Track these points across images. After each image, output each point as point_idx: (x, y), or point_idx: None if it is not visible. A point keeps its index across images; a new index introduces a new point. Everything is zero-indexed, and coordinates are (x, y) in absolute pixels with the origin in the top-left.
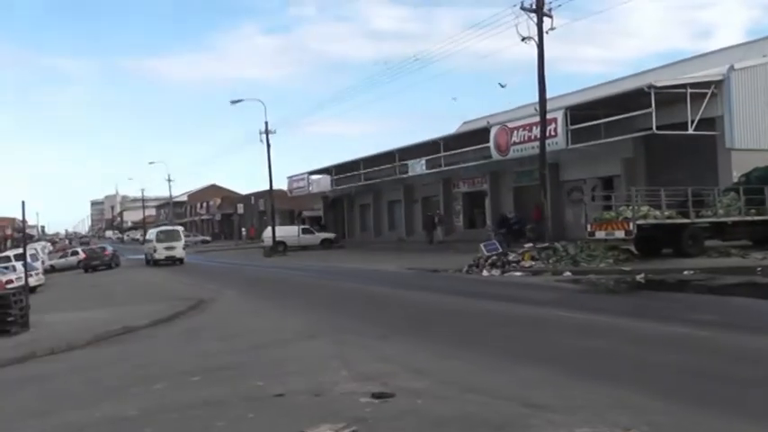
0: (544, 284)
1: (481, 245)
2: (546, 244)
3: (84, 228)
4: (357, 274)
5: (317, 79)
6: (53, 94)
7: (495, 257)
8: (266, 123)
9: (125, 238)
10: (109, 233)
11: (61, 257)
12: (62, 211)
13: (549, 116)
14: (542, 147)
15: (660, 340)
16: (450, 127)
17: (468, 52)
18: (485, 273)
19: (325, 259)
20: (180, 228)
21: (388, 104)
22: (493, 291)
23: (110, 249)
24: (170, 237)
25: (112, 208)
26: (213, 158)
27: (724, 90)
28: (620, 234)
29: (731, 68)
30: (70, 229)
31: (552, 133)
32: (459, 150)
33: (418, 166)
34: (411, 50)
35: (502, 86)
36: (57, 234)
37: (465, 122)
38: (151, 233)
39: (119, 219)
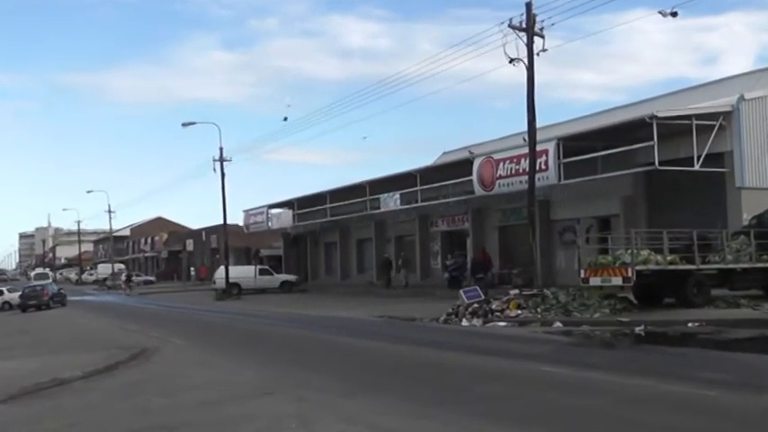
0: (532, 336)
1: (461, 291)
2: (534, 291)
3: (11, 264)
4: (321, 321)
5: (278, 102)
6: None
7: (476, 305)
8: (221, 149)
9: (57, 276)
10: (38, 270)
11: None
12: None
13: (539, 147)
14: (531, 182)
15: (661, 401)
16: (427, 158)
17: (448, 74)
18: (465, 322)
19: (286, 304)
20: (48, 271)
21: (357, 131)
22: (474, 342)
23: (50, 288)
24: (40, 278)
25: (44, 242)
26: (160, 188)
27: (733, 122)
28: (617, 281)
29: (741, 98)
30: None
31: (543, 167)
32: (438, 184)
33: (391, 201)
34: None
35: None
36: None
37: (445, 153)
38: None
39: (50, 254)
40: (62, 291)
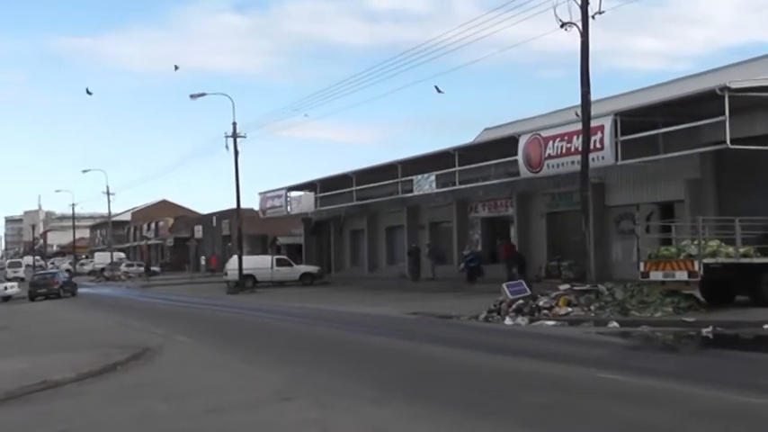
0: (584, 338)
1: (504, 285)
2: (587, 286)
3: None
4: (346, 318)
5: (298, 71)
6: None
7: (521, 302)
8: (234, 125)
9: (49, 266)
10: (27, 259)
11: None
12: None
13: (593, 123)
14: (584, 162)
15: (736, 416)
16: (467, 135)
17: (491, 41)
18: (508, 321)
19: (306, 299)
20: (21, 260)
21: (388, 105)
22: (519, 344)
23: (60, 277)
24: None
25: (33, 227)
26: (165, 168)
27: None
28: (681, 275)
29: None
30: None
31: (597, 145)
32: (479, 164)
33: (426, 184)
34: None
35: (439, 91)
36: None
37: (486, 129)
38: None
39: (41, 241)
40: (73, 280)
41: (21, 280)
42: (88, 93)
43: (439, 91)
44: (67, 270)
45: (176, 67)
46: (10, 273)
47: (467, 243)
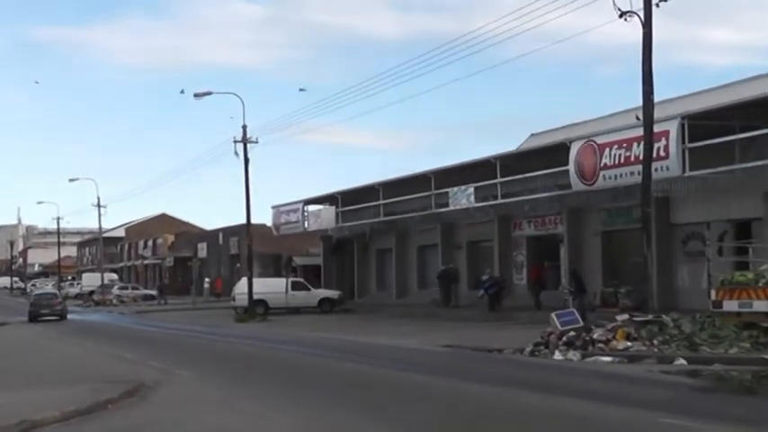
0: (646, 377)
1: (553, 315)
2: (648, 316)
3: None
4: (370, 351)
5: (317, 67)
6: None
7: (572, 334)
8: (244, 128)
9: (28, 288)
10: (4, 280)
11: None
12: None
13: (657, 128)
14: (646, 173)
15: None
16: (511, 141)
17: (539, 33)
18: (558, 355)
19: (326, 328)
20: None
21: (420, 106)
22: (572, 383)
23: (59, 297)
24: None
25: (11, 243)
26: (165, 177)
27: None
28: (761, 306)
29: None
30: None
31: (661, 153)
32: (524, 175)
33: (463, 197)
34: (455, 28)
35: (302, 90)
36: None
37: (533, 135)
38: None
39: (20, 260)
40: (63, 301)
41: None
42: (36, 82)
43: (302, 90)
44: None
45: (182, 91)
46: None
47: (486, 267)
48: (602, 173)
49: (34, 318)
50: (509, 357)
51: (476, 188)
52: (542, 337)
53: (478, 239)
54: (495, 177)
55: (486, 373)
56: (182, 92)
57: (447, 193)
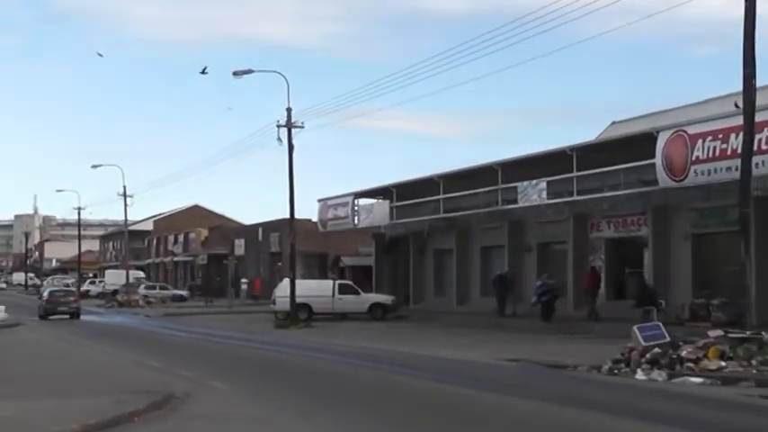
0: (742, 402)
1: (635, 328)
2: (746, 333)
3: None
4: (426, 364)
5: (371, 44)
6: None
7: (657, 350)
8: (289, 111)
9: (43, 284)
10: (18, 276)
11: None
12: None
13: (759, 117)
14: (746, 168)
15: None
16: (589, 130)
17: (622, 8)
18: (640, 375)
19: (376, 337)
20: None
21: (485, 90)
22: (658, 408)
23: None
24: None
25: (27, 236)
26: (198, 165)
27: None
28: None
29: None
30: None
31: (763, 147)
32: (604, 169)
33: (534, 192)
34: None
35: (204, 73)
36: None
37: (614, 123)
38: None
39: (36, 253)
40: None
41: None
42: (99, 55)
43: (203, 72)
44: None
45: (204, 71)
46: None
47: (544, 272)
48: (693, 167)
49: (47, 315)
50: (585, 376)
51: (548, 182)
52: (622, 354)
53: (550, 241)
54: (571, 171)
55: (563, 394)
56: (204, 72)
57: (516, 187)
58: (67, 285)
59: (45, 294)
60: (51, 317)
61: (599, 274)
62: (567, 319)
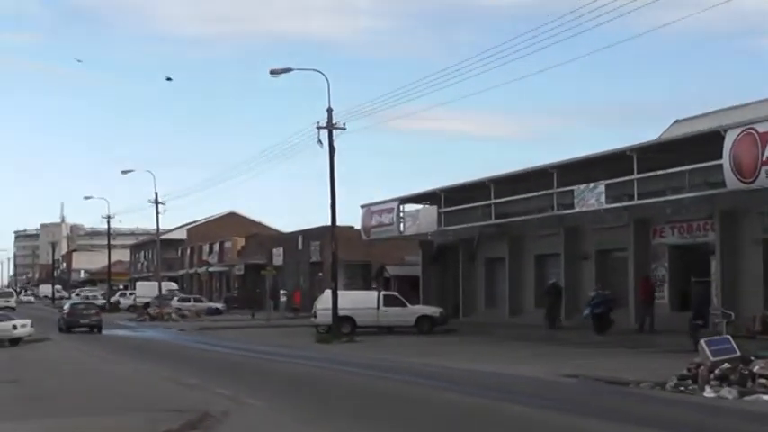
0: None
1: (702, 342)
2: None
3: (0, 277)
4: (479, 380)
5: (416, 40)
6: None
7: (727, 366)
8: (329, 112)
9: (73, 297)
10: (45, 288)
11: None
12: None
13: None
14: None
15: None
16: (650, 130)
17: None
18: (709, 392)
19: (426, 352)
20: (11, 289)
21: (539, 87)
22: (732, 428)
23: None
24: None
25: (54, 246)
26: (233, 170)
27: None
28: None
29: None
30: None
31: None
32: (667, 171)
33: (592, 196)
34: None
35: (169, 79)
36: None
37: (678, 122)
38: None
39: (63, 264)
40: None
41: (12, 309)
42: (168, 80)
43: (168, 79)
44: (101, 306)
45: (169, 78)
46: (0, 302)
47: (602, 281)
48: (764, 168)
49: (68, 328)
50: (649, 393)
51: (607, 186)
52: (688, 369)
53: (609, 248)
54: (631, 173)
55: (627, 412)
56: (168, 79)
57: (572, 191)
58: (88, 298)
59: (66, 307)
60: (73, 330)
61: (654, 283)
62: (627, 331)
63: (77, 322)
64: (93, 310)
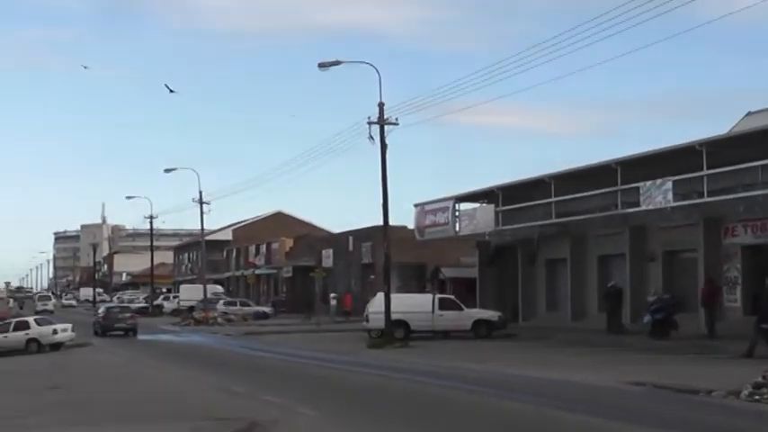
0: None
1: None
2: None
3: (40, 280)
4: (541, 388)
5: (471, 29)
6: None
7: None
8: (381, 106)
9: (114, 300)
10: (86, 291)
11: None
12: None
13: None
14: None
15: None
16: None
17: None
18: None
19: (483, 358)
20: (50, 293)
21: (602, 79)
22: None
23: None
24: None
25: (95, 248)
26: (281, 169)
27: None
28: None
29: None
30: (15, 282)
31: None
32: (739, 166)
33: (659, 194)
34: None
35: (171, 91)
36: None
37: (750, 114)
38: None
39: (104, 266)
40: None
41: (50, 313)
42: (169, 90)
43: (171, 91)
44: (142, 308)
45: (171, 90)
46: (39, 306)
47: (652, 287)
48: None
49: (105, 332)
50: (722, 402)
51: (675, 182)
52: (764, 377)
53: (678, 249)
54: (701, 168)
55: (701, 423)
56: (171, 90)
57: (637, 188)
58: (123, 302)
59: (101, 311)
60: (108, 333)
61: (718, 285)
62: (694, 336)
63: (112, 326)
64: (128, 314)
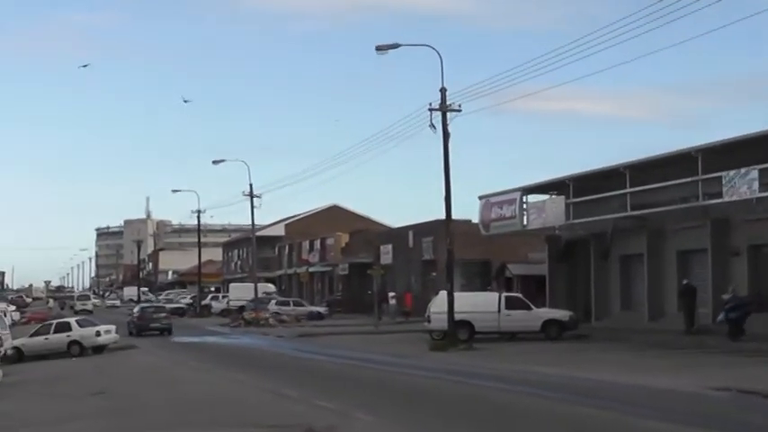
0: None
1: None
2: None
3: (81, 279)
4: (618, 394)
5: (538, 10)
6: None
7: None
8: (443, 92)
9: (160, 299)
10: (130, 291)
11: (37, 334)
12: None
13: None
14: None
15: None
16: None
17: None
18: None
19: (554, 361)
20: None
21: (681, 61)
22: None
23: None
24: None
25: (139, 245)
26: (336, 160)
27: None
28: None
29: None
30: (55, 282)
31: None
32: None
33: (743, 184)
34: None
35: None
36: (30, 288)
37: None
38: None
39: (149, 264)
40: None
41: (89, 313)
42: (184, 101)
43: (185, 101)
44: (188, 305)
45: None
46: (78, 305)
47: (735, 284)
48: None
49: (140, 332)
50: None
51: (761, 171)
52: None
53: (764, 243)
54: None
55: None
56: (185, 101)
57: (720, 178)
58: (159, 302)
59: (136, 311)
60: (143, 333)
61: None
62: None
63: (147, 326)
64: (164, 314)
